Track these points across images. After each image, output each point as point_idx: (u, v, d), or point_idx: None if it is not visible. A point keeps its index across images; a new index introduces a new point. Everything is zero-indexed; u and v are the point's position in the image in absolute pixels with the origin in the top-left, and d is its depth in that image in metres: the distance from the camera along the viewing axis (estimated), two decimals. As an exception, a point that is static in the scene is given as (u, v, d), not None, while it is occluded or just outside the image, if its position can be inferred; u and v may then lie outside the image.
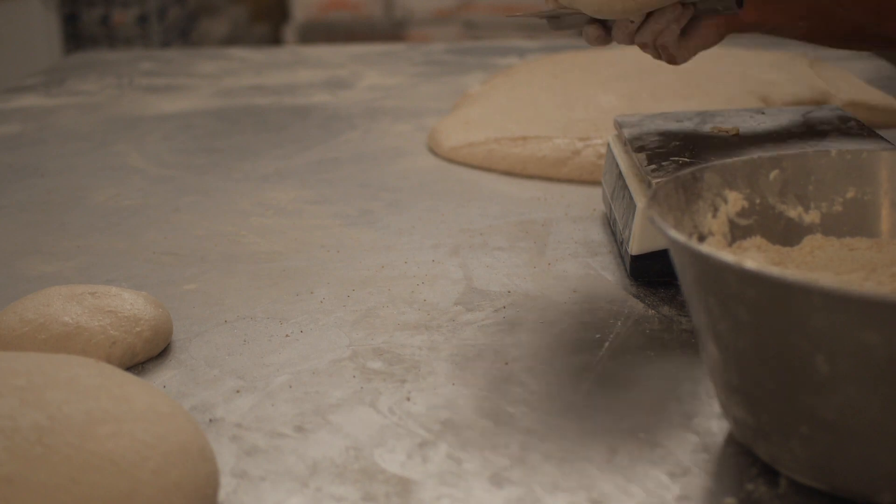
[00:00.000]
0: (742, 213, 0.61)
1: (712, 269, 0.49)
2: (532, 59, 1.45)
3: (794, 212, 0.62)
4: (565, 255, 0.84)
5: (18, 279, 0.83)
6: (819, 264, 0.60)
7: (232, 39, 3.81)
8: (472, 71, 1.56)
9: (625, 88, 1.16)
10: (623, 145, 0.86)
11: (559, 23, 0.85)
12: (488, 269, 0.81)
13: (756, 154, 0.63)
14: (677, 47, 0.86)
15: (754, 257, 0.60)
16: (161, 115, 1.36)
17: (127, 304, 0.69)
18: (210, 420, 0.61)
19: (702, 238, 0.59)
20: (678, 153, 0.79)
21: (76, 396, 0.50)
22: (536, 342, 0.69)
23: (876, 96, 1.18)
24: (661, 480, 0.53)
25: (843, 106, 1.14)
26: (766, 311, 0.47)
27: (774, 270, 0.46)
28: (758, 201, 0.62)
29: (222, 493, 0.53)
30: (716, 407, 0.59)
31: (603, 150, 1.03)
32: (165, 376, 0.67)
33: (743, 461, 0.54)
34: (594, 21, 0.83)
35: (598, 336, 0.69)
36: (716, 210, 0.60)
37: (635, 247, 0.76)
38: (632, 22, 0.83)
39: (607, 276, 0.79)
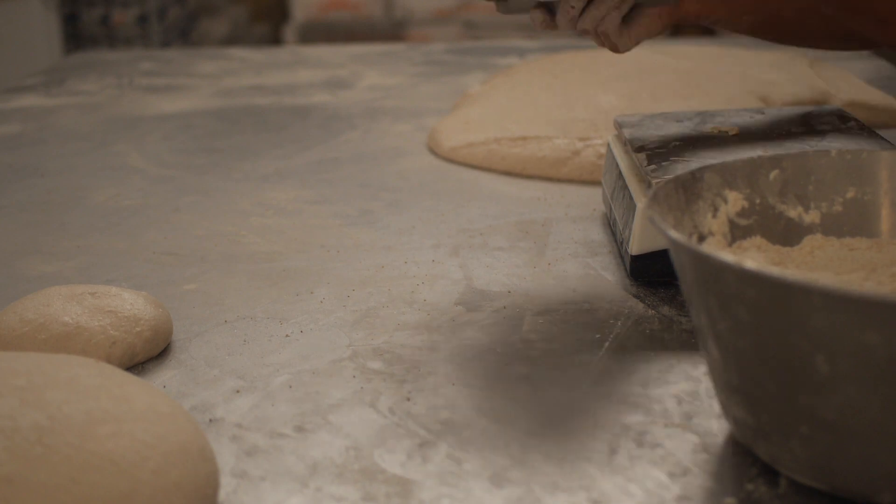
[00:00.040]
0: (742, 213, 0.61)
1: (712, 269, 0.49)
2: (532, 59, 1.45)
3: (794, 212, 0.63)
4: (565, 255, 0.84)
5: (18, 279, 0.83)
6: (819, 264, 0.60)
7: (232, 39, 3.81)
8: (472, 71, 1.56)
9: (625, 88, 1.16)
10: (623, 145, 0.86)
11: (507, 6, 0.86)
12: (488, 269, 0.81)
13: (756, 154, 0.63)
14: (619, 35, 0.87)
15: (754, 257, 0.60)
16: (161, 115, 1.36)
17: (127, 304, 0.69)
18: (210, 420, 0.61)
19: (702, 238, 0.59)
20: (678, 153, 0.79)
21: (76, 396, 0.50)
22: (536, 342, 0.69)
23: (876, 96, 1.18)
24: (661, 480, 0.53)
25: (843, 106, 1.14)
26: (766, 311, 0.47)
27: (774, 270, 0.46)
28: (758, 201, 0.62)
29: (222, 493, 0.53)
30: (716, 407, 0.59)
31: (603, 150, 1.03)
32: (165, 376, 0.67)
33: (743, 461, 0.54)
34: (539, 5, 0.84)
35: (598, 336, 0.69)
36: (716, 210, 0.60)
37: (635, 247, 0.76)
38: (573, 7, 0.84)
39: (607, 276, 0.79)
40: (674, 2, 0.85)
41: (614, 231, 0.84)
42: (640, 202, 0.77)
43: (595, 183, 1.00)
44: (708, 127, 0.85)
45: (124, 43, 3.29)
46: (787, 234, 0.62)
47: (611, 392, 0.62)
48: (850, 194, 0.63)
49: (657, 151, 0.80)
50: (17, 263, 0.87)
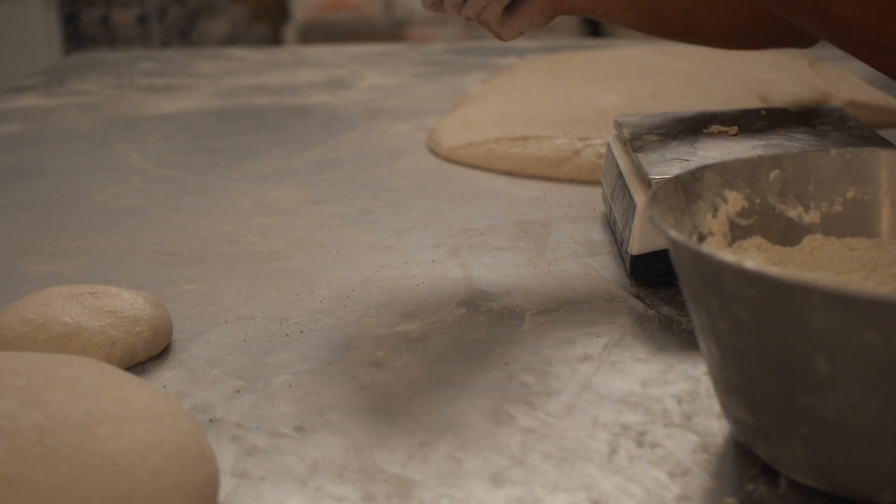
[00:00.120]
0: (742, 213, 0.61)
1: (712, 269, 0.49)
2: (532, 59, 1.45)
3: (794, 212, 0.62)
4: (565, 255, 0.84)
5: (18, 279, 0.83)
6: (819, 264, 0.60)
7: (232, 39, 3.81)
8: (472, 71, 1.56)
9: (625, 88, 1.16)
10: (623, 145, 0.86)
11: None
12: (488, 269, 0.81)
13: (756, 154, 0.63)
14: (501, 25, 0.88)
15: (754, 257, 0.60)
16: (161, 115, 1.36)
17: (127, 304, 0.69)
18: (210, 420, 0.61)
19: (702, 238, 0.59)
20: (678, 153, 0.79)
21: (76, 396, 0.50)
22: (536, 342, 0.69)
23: (876, 96, 1.18)
24: (661, 480, 0.53)
25: (843, 106, 1.14)
26: (766, 311, 0.47)
27: (774, 270, 0.46)
28: (758, 201, 0.62)
29: (222, 493, 0.53)
30: (716, 407, 0.59)
31: (603, 150, 1.03)
32: (165, 376, 0.67)
33: (743, 461, 0.54)
34: None
35: (598, 336, 0.69)
36: (716, 210, 0.60)
37: (635, 247, 0.76)
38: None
39: (607, 276, 0.79)
40: None
41: (614, 231, 0.84)
42: (640, 202, 0.77)
43: (595, 183, 1.00)
44: (708, 127, 0.85)
45: (124, 43, 3.29)
46: (787, 234, 0.62)
47: (611, 392, 0.62)
48: (850, 194, 0.63)
49: (657, 152, 0.80)
50: (17, 263, 0.87)
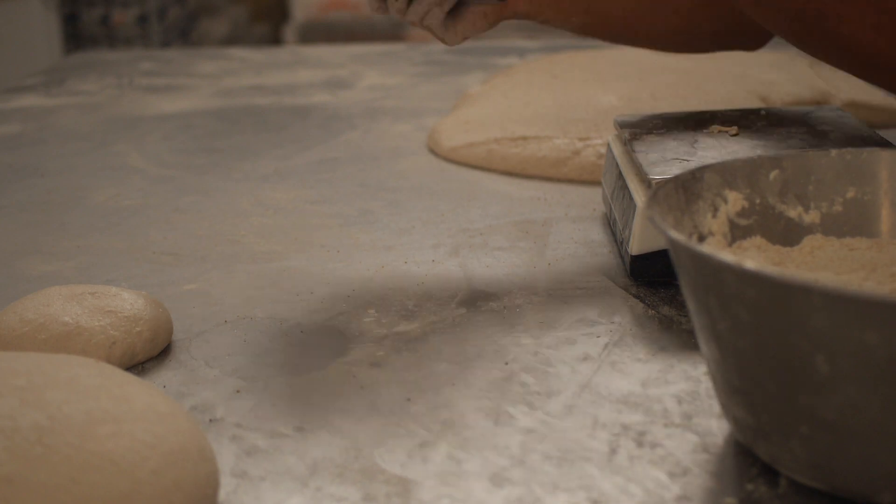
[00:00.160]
0: (742, 213, 0.61)
1: (712, 269, 0.49)
2: (532, 59, 1.45)
3: (794, 212, 0.62)
4: (565, 255, 0.84)
5: (18, 279, 0.83)
6: (819, 264, 0.60)
7: (232, 39, 3.81)
8: (472, 71, 1.56)
9: (625, 88, 1.16)
10: (623, 145, 0.86)
11: None
12: (488, 269, 0.81)
13: (756, 154, 0.63)
14: (444, 30, 0.89)
15: (754, 257, 0.60)
16: (161, 115, 1.36)
17: (127, 304, 0.69)
18: (210, 420, 0.60)
19: (702, 238, 0.59)
20: (678, 153, 0.79)
21: (76, 396, 0.50)
22: (536, 342, 0.69)
23: (876, 96, 1.18)
24: (661, 480, 0.53)
25: (843, 106, 1.14)
26: (766, 311, 0.47)
27: (774, 270, 0.46)
28: (758, 201, 0.62)
29: (222, 493, 0.53)
30: (716, 407, 0.59)
31: (603, 150, 1.03)
32: (165, 376, 0.67)
33: (743, 461, 0.54)
34: None
35: (598, 336, 0.69)
36: (716, 210, 0.60)
37: (635, 247, 0.76)
38: (397, 0, 0.87)
39: (607, 276, 0.79)
40: (499, 1, 0.87)
41: (614, 231, 0.84)
42: (640, 202, 0.77)
43: (595, 183, 1.00)
44: (708, 127, 0.85)
45: (124, 43, 3.29)
46: (787, 234, 0.62)
47: (611, 392, 0.62)
48: (850, 194, 0.63)
49: (657, 152, 0.80)
50: (17, 263, 0.87)
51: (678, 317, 0.71)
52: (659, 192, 0.56)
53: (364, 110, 1.35)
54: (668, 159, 0.78)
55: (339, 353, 0.68)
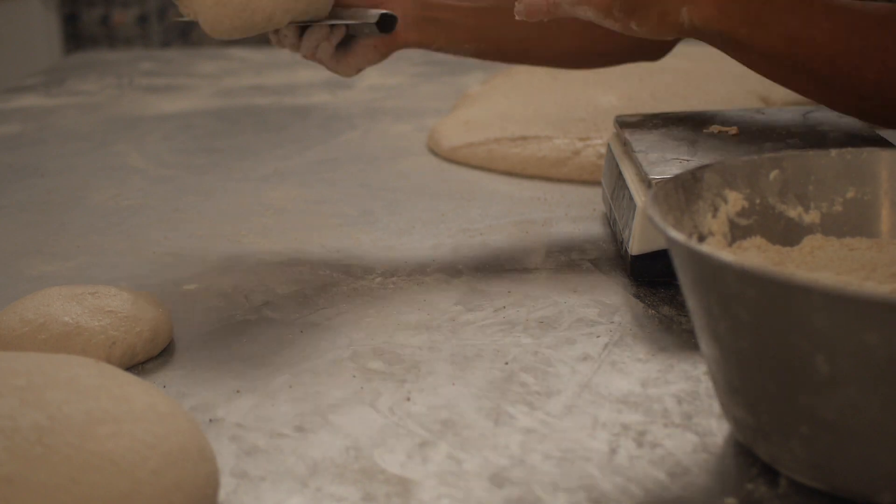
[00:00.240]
0: (742, 213, 0.61)
1: (712, 269, 0.49)
2: (532, 59, 1.45)
3: (794, 212, 0.62)
4: (565, 255, 0.84)
5: (18, 279, 0.83)
6: (819, 264, 0.60)
7: (232, 39, 3.80)
8: (472, 71, 1.56)
9: (625, 88, 1.16)
10: (623, 145, 0.86)
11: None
12: (488, 268, 0.81)
13: (756, 154, 0.63)
14: (336, 63, 0.92)
15: (754, 257, 0.60)
16: (161, 115, 1.36)
17: (127, 304, 0.69)
18: (210, 420, 0.60)
19: (702, 238, 0.59)
20: (678, 153, 0.79)
21: (76, 396, 0.50)
22: (536, 342, 0.69)
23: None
24: (661, 480, 0.53)
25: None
26: (766, 311, 0.47)
27: (774, 270, 0.46)
28: (758, 201, 0.62)
29: (222, 493, 0.53)
30: (716, 407, 0.59)
31: (603, 150, 1.03)
32: (165, 376, 0.67)
33: (743, 461, 0.54)
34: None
35: (598, 336, 0.69)
36: (716, 210, 0.60)
37: (635, 247, 0.76)
38: (286, 37, 0.91)
39: (607, 276, 0.79)
40: (385, 34, 0.90)
41: (614, 231, 0.84)
42: (640, 202, 0.77)
43: (595, 183, 1.00)
44: (708, 127, 0.85)
45: (124, 43, 3.28)
46: (787, 234, 0.62)
47: (611, 392, 0.62)
48: (850, 194, 0.63)
49: (657, 152, 0.80)
50: (17, 263, 0.87)
51: (678, 317, 0.71)
52: (659, 192, 0.56)
53: (364, 110, 1.35)
54: (668, 159, 0.78)
55: (340, 353, 0.68)
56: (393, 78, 1.53)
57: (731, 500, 0.51)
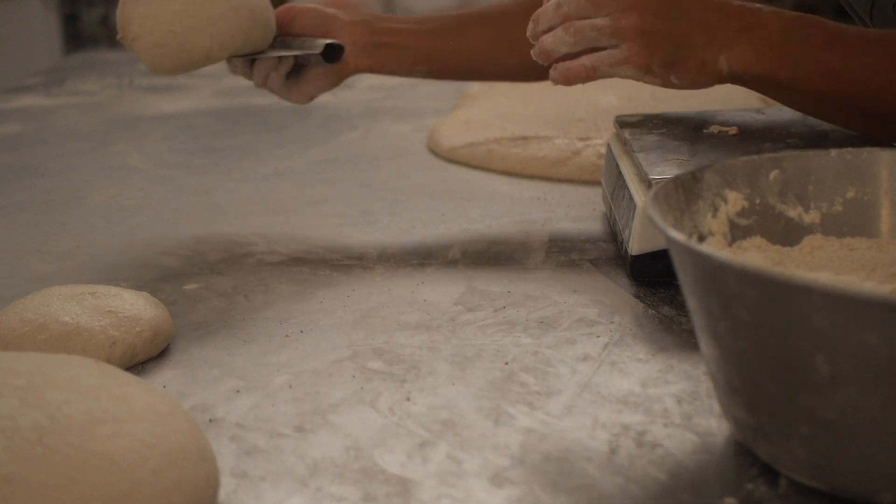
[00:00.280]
0: (742, 213, 0.61)
1: (712, 269, 0.49)
2: (532, 59, 1.45)
3: (794, 212, 0.62)
4: (565, 255, 0.84)
5: (18, 279, 0.83)
6: (819, 264, 0.60)
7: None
8: (472, 71, 1.56)
9: (625, 88, 1.16)
10: (623, 145, 0.86)
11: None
12: (488, 268, 0.81)
13: (756, 154, 0.63)
14: (288, 91, 0.95)
15: (754, 257, 0.60)
16: (161, 115, 1.36)
17: (127, 304, 0.69)
18: (210, 420, 0.60)
19: (702, 238, 0.59)
20: (678, 153, 0.79)
21: (76, 396, 0.50)
22: (536, 342, 0.69)
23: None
24: (661, 480, 0.53)
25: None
26: (766, 311, 0.47)
27: (774, 270, 0.46)
28: (758, 201, 0.62)
29: (222, 493, 0.53)
30: (716, 407, 0.59)
31: (603, 150, 1.03)
32: (165, 376, 0.67)
33: (743, 461, 0.54)
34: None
35: (598, 336, 0.69)
36: (716, 210, 0.60)
37: (635, 247, 0.76)
38: (236, 66, 0.93)
39: (607, 276, 0.79)
40: (332, 63, 0.91)
41: (614, 231, 0.84)
42: (640, 202, 0.77)
43: (595, 183, 1.00)
44: (708, 127, 0.85)
45: (124, 43, 3.28)
46: (787, 234, 0.62)
47: (611, 392, 0.62)
48: (850, 194, 0.63)
49: (657, 151, 0.80)
50: (17, 263, 0.87)
51: (678, 317, 0.71)
52: (659, 192, 0.56)
53: (364, 110, 1.35)
54: (668, 159, 0.78)
55: (340, 353, 0.68)
56: (393, 78, 1.53)
57: (731, 500, 0.51)
